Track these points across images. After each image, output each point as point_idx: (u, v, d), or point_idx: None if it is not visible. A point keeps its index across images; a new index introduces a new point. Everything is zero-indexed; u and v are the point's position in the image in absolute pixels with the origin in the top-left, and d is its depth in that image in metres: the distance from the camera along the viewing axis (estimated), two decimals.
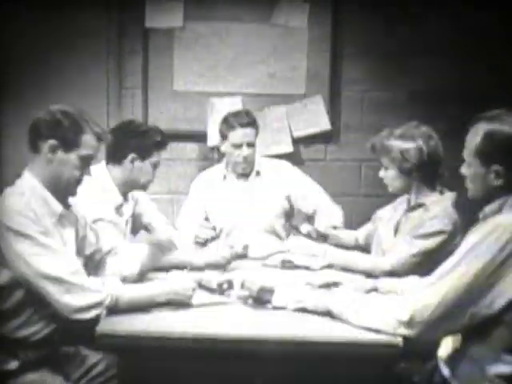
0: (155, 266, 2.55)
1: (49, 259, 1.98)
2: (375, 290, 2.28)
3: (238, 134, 3.19)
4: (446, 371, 2.00)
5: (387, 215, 2.85)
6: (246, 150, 3.20)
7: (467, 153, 1.95)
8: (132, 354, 1.95)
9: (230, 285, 2.27)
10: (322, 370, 1.93)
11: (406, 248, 2.56)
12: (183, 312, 2.10)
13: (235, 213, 3.30)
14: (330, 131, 3.89)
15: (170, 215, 3.45)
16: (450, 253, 1.90)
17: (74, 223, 2.23)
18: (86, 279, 2.05)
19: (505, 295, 1.77)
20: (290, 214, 3.40)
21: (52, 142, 2.07)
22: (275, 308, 2.12)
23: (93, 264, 2.33)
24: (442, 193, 2.65)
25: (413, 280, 2.25)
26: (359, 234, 3.06)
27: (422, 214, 2.62)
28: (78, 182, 2.16)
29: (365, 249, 2.95)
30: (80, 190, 2.23)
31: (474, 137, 1.91)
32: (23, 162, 2.15)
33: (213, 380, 1.96)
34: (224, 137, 3.25)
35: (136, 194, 2.94)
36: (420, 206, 2.65)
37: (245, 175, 3.32)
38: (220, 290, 2.26)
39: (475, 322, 1.81)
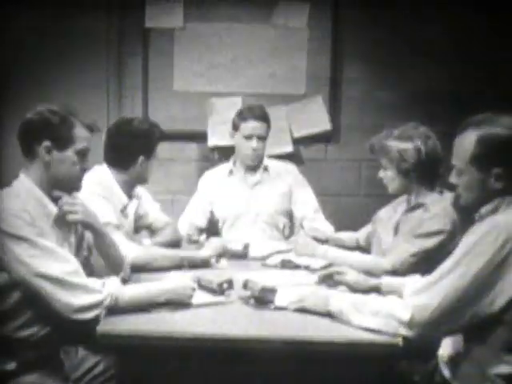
0: (160, 265, 2.57)
1: (47, 260, 1.98)
2: (378, 288, 2.27)
3: (250, 126, 3.27)
4: (446, 371, 2.00)
5: (387, 215, 2.86)
6: (255, 143, 3.27)
7: (458, 161, 1.94)
8: (132, 354, 1.94)
9: (231, 285, 2.27)
10: (323, 370, 1.93)
11: (405, 248, 2.57)
12: (183, 312, 2.09)
13: (239, 205, 3.38)
14: (329, 131, 3.89)
15: (169, 215, 3.43)
16: (450, 252, 1.90)
17: (73, 223, 2.22)
18: (86, 279, 2.05)
19: (504, 294, 1.77)
20: (291, 214, 3.44)
21: (46, 143, 2.06)
22: (276, 308, 2.12)
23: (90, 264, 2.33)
24: (441, 193, 2.66)
25: (415, 279, 2.24)
26: (360, 236, 3.06)
27: (421, 213, 2.62)
28: (80, 176, 2.16)
29: (366, 250, 2.95)
30: (85, 194, 2.23)
31: (465, 144, 1.91)
32: (22, 164, 2.14)
33: (213, 380, 1.95)
34: (236, 128, 3.33)
35: (140, 192, 2.94)
36: (419, 206, 2.65)
37: (252, 169, 3.39)
38: (220, 289, 2.26)
39: (475, 322, 1.81)
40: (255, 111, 3.32)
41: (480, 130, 1.88)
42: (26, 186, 2.07)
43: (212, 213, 3.45)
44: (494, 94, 3.54)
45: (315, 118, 3.87)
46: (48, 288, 1.97)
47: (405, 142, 2.60)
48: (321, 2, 3.80)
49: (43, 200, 2.09)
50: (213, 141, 3.82)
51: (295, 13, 3.81)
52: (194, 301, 2.16)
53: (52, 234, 2.07)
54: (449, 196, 2.62)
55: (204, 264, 2.68)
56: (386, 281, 2.30)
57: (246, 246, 2.91)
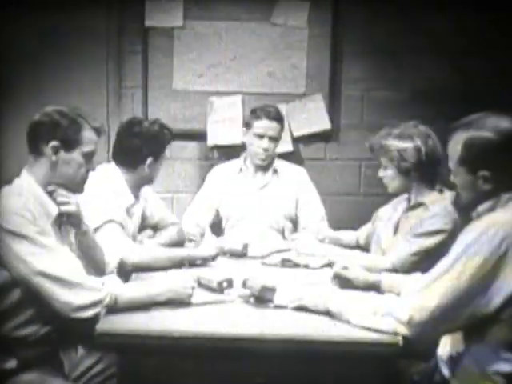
0: (160, 265, 2.57)
1: (47, 258, 1.98)
2: (377, 285, 2.27)
3: (263, 125, 3.26)
4: (445, 370, 2.00)
5: (387, 214, 2.86)
6: (267, 143, 3.25)
7: (451, 163, 1.96)
8: (132, 352, 1.95)
9: (230, 283, 2.27)
10: (323, 369, 1.93)
11: (405, 247, 2.57)
12: (183, 311, 2.10)
13: (245, 206, 3.35)
14: (329, 130, 3.89)
15: None
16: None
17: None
18: (86, 278, 2.05)
19: (502, 293, 1.78)
20: (295, 219, 3.41)
21: (54, 143, 2.08)
22: (276, 307, 2.12)
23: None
24: (441, 192, 2.66)
25: (415, 277, 2.24)
26: (359, 235, 3.06)
27: (421, 213, 2.62)
28: (84, 179, 2.17)
29: (365, 249, 2.95)
30: (92, 189, 2.23)
31: (455, 146, 1.92)
32: (23, 163, 2.15)
33: (213, 379, 1.95)
34: (248, 126, 3.32)
35: (146, 193, 2.95)
36: (420, 205, 2.65)
37: (262, 169, 3.36)
38: (220, 288, 2.26)
39: (474, 321, 1.81)
40: (270, 111, 3.30)
41: (468, 132, 1.89)
42: (28, 185, 2.08)
43: (217, 210, 3.42)
44: (494, 93, 3.54)
45: (315, 117, 3.86)
46: (48, 286, 1.97)
47: (405, 141, 2.60)
48: (321, 1, 3.79)
49: (44, 199, 2.09)
50: (212, 140, 3.82)
51: (295, 12, 3.80)
52: (194, 300, 2.16)
53: (53, 233, 2.08)
54: (449, 195, 2.62)
55: (204, 262, 2.68)
56: (386, 277, 2.30)
57: (246, 246, 2.91)
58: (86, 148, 2.13)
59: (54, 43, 3.78)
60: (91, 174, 2.20)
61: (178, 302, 2.12)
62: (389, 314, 1.89)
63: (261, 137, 3.26)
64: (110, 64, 3.84)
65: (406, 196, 2.74)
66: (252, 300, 2.17)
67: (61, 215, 2.14)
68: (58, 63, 3.79)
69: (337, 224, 3.36)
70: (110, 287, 2.06)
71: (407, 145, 2.59)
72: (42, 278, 1.97)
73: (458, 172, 1.93)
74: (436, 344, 2.06)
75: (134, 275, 2.50)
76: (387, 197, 2.88)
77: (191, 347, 1.92)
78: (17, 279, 1.98)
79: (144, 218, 2.97)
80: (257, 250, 2.93)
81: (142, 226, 3.00)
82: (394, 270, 2.51)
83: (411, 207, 2.69)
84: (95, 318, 1.97)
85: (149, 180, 2.84)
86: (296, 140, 3.89)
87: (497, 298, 1.78)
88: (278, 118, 3.31)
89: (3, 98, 3.80)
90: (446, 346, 2.02)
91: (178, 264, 2.62)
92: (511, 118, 1.88)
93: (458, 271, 1.80)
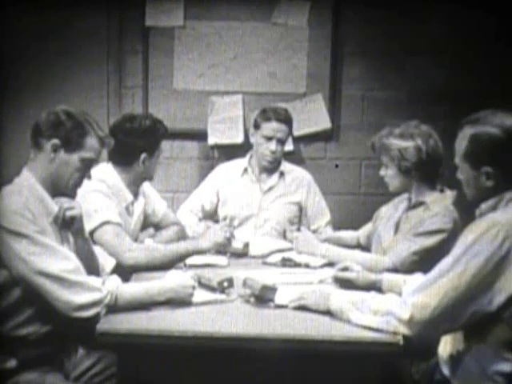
0: (159, 264, 2.57)
1: (48, 258, 1.98)
2: (378, 285, 2.27)
3: (272, 127, 3.24)
4: (446, 370, 2.00)
5: (387, 214, 2.85)
6: (274, 145, 3.23)
7: (457, 158, 1.97)
8: (132, 352, 1.94)
9: (231, 283, 2.27)
10: (323, 369, 1.93)
11: (406, 246, 2.57)
12: (183, 310, 2.10)
13: (249, 208, 3.33)
14: (330, 130, 3.89)
15: None
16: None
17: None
18: (86, 277, 2.05)
19: (503, 292, 1.78)
20: (299, 222, 3.40)
21: (54, 141, 2.08)
22: (277, 306, 2.11)
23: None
24: (442, 191, 2.66)
25: (416, 277, 2.24)
26: (360, 234, 3.06)
27: (422, 212, 2.62)
28: (77, 184, 2.16)
29: (366, 248, 2.95)
30: (88, 191, 2.23)
31: (461, 142, 1.94)
32: (23, 163, 2.15)
33: (213, 378, 1.95)
34: (257, 127, 3.29)
35: (147, 191, 2.94)
36: (420, 204, 2.65)
37: (268, 171, 3.34)
38: (220, 288, 2.26)
39: (475, 321, 1.81)
40: (279, 113, 3.27)
41: (474, 128, 1.91)
42: (28, 183, 2.08)
43: (216, 206, 3.39)
44: (495, 93, 3.53)
45: (315, 116, 3.86)
46: (48, 286, 1.97)
47: (406, 140, 2.60)
48: (321, 1, 3.80)
49: (45, 198, 2.09)
50: (213, 139, 3.82)
51: (296, 12, 3.81)
52: (194, 299, 2.16)
53: (52, 232, 2.08)
54: (450, 194, 2.62)
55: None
56: (387, 277, 2.30)
57: (246, 245, 2.91)
58: (87, 154, 2.12)
59: (55, 43, 3.78)
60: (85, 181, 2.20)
61: (178, 302, 2.12)
62: (389, 313, 1.89)
63: (269, 139, 3.24)
64: (110, 64, 3.84)
65: (406, 195, 2.74)
66: (252, 300, 2.17)
67: (65, 221, 2.13)
68: (58, 63, 3.79)
69: (337, 224, 3.36)
70: (111, 287, 2.05)
71: (408, 144, 2.59)
72: (43, 278, 1.97)
73: (463, 168, 1.94)
74: (436, 343, 2.06)
75: (134, 275, 2.50)
76: (388, 196, 2.88)
77: (191, 347, 1.92)
78: (17, 279, 1.98)
79: (146, 215, 2.96)
80: (257, 249, 2.93)
81: (145, 224, 2.99)
82: (395, 270, 2.51)
83: (412, 206, 2.69)
84: (96, 318, 1.97)
85: (146, 176, 2.83)
86: (296, 139, 3.89)
87: (498, 298, 1.78)
88: (287, 121, 3.28)
89: (4, 98, 3.80)
90: (446, 346, 2.02)
91: (178, 261, 2.62)
92: None
93: (459, 271, 1.80)
